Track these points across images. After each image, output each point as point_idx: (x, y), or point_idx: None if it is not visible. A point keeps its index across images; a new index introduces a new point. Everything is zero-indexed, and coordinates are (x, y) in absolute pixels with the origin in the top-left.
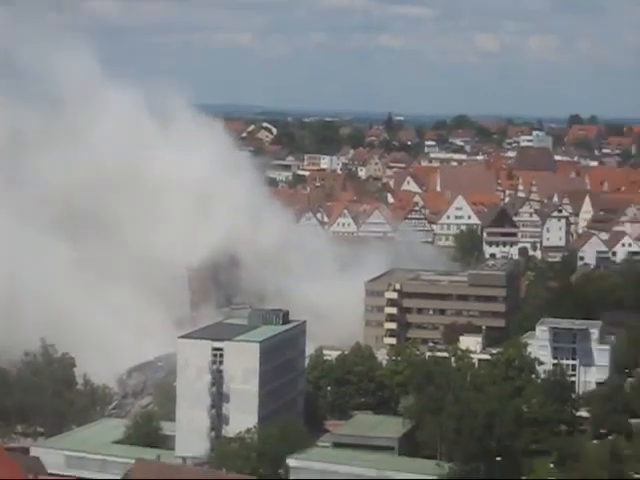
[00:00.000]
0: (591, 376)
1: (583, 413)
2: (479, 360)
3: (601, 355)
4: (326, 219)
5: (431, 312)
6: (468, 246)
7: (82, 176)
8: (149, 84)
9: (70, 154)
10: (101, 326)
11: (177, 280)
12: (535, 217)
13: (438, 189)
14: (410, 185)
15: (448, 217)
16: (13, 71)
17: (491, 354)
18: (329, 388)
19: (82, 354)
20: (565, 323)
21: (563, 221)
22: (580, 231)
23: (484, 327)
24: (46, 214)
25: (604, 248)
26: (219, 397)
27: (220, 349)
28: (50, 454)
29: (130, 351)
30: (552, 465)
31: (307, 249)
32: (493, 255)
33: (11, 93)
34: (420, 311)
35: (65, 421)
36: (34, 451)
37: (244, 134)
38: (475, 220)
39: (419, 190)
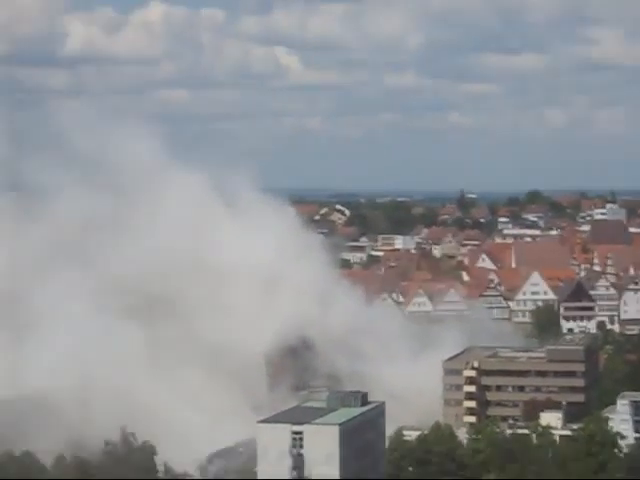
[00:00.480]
0: None
1: None
2: (560, 436)
3: None
4: (402, 299)
5: (510, 389)
6: (545, 322)
7: (150, 262)
8: (214, 167)
9: (137, 240)
10: (179, 412)
11: (252, 364)
12: (612, 290)
13: (513, 265)
14: (485, 262)
15: (524, 293)
16: (79, 158)
17: (572, 430)
18: (410, 469)
19: (161, 441)
20: None
21: None
22: None
23: (564, 403)
24: (118, 301)
25: None
26: None
27: (300, 432)
28: None
29: (209, 437)
30: None
31: (383, 330)
32: (571, 330)
33: (79, 180)
34: (499, 388)
35: None
36: None
37: (317, 217)
38: (551, 295)
39: (494, 267)
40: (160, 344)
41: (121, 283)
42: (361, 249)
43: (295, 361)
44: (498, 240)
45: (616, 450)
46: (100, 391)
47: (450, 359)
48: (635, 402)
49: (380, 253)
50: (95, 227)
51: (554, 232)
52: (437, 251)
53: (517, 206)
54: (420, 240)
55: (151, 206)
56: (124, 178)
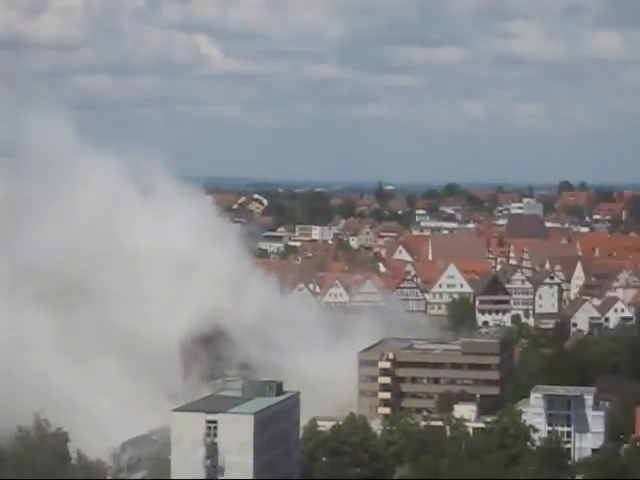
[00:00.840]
0: (586, 443)
1: None
2: (474, 429)
3: (596, 421)
4: (318, 289)
5: (425, 381)
6: (461, 314)
7: (64, 247)
8: (129, 154)
9: (52, 225)
10: (92, 399)
11: (166, 352)
12: (527, 284)
13: (430, 258)
14: (402, 254)
15: (440, 286)
16: None
17: (486, 422)
18: (324, 459)
19: (74, 428)
20: (559, 390)
21: (555, 288)
22: (572, 297)
23: (478, 395)
24: (30, 287)
25: (597, 314)
26: (214, 470)
27: (214, 422)
28: None
29: (123, 425)
30: None
31: (298, 320)
32: (486, 323)
33: None
34: (414, 380)
35: None
36: None
37: (235, 206)
38: (467, 288)
39: (411, 259)
40: (73, 330)
41: (34, 268)
42: (278, 239)
43: (209, 349)
44: (415, 232)
45: (529, 443)
46: (11, 377)
47: (365, 350)
48: (549, 396)
49: (297, 243)
50: (8, 211)
51: (471, 225)
52: (354, 242)
53: (435, 199)
54: (338, 231)
55: (65, 191)
56: (37, 162)
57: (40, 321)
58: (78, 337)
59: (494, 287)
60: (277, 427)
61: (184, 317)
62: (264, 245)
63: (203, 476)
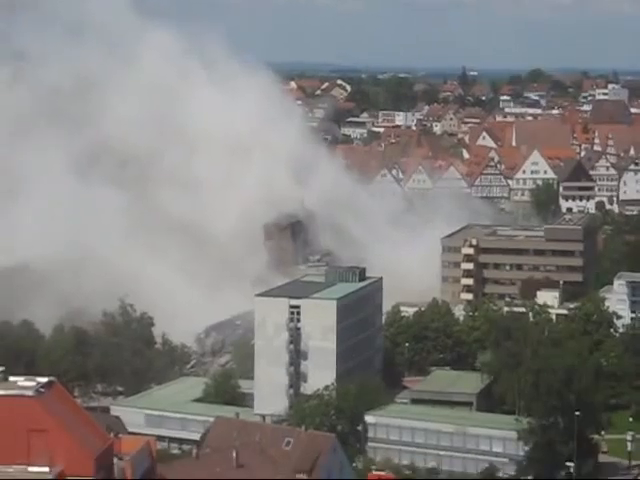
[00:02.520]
0: None
1: None
2: (557, 315)
3: None
4: (401, 176)
5: (508, 267)
6: (544, 201)
7: (131, 125)
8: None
9: (119, 103)
10: (173, 284)
11: (234, 240)
12: (612, 171)
13: (513, 144)
14: (485, 140)
15: (524, 172)
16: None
17: (569, 309)
18: (407, 345)
19: (157, 312)
20: None
21: None
22: None
23: (561, 282)
24: (104, 163)
25: None
26: (297, 355)
27: (297, 307)
28: (130, 413)
29: (206, 309)
30: (631, 419)
31: (380, 206)
32: (570, 209)
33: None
34: (497, 266)
35: (144, 380)
36: (114, 410)
37: (318, 91)
38: (551, 175)
39: (494, 145)
40: (140, 214)
41: (103, 146)
42: (362, 125)
43: (295, 235)
44: (499, 118)
45: (612, 330)
46: (92, 261)
47: (448, 236)
48: (632, 282)
49: (381, 129)
50: (80, 89)
51: (555, 111)
52: (438, 128)
53: (519, 84)
54: (421, 117)
55: (130, 65)
56: (102, 38)
57: (110, 204)
58: (145, 221)
59: (578, 173)
60: (360, 312)
61: (240, 206)
62: (347, 131)
63: (287, 360)
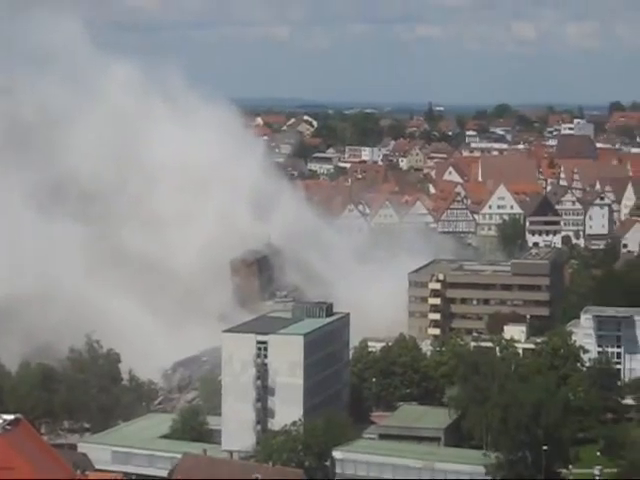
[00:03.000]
0: (636, 363)
1: (629, 401)
2: (524, 349)
3: None
4: (368, 211)
5: (475, 302)
6: (511, 235)
7: (93, 156)
8: (150, 65)
9: (80, 134)
10: (139, 320)
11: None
12: (577, 205)
13: (480, 179)
14: (452, 175)
15: (490, 207)
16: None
17: (536, 343)
18: (374, 380)
19: (123, 349)
20: (609, 311)
21: (606, 209)
22: (623, 218)
23: (528, 316)
24: (63, 199)
25: None
26: (264, 390)
27: (264, 342)
28: (97, 450)
29: (172, 346)
30: (599, 453)
31: (349, 241)
32: (536, 244)
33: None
34: (464, 301)
35: (111, 417)
36: (81, 447)
37: (285, 127)
38: (517, 209)
39: (461, 180)
40: (99, 249)
41: (64, 180)
42: (328, 160)
43: (261, 271)
44: (465, 153)
45: (579, 364)
46: (56, 296)
47: (415, 271)
48: (599, 317)
49: (347, 164)
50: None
51: (521, 146)
52: (404, 163)
53: (485, 119)
54: (387, 152)
55: (90, 98)
56: (66, 70)
57: (74, 235)
58: (107, 256)
59: (544, 208)
60: (327, 348)
61: (201, 240)
62: (314, 166)
63: (254, 396)
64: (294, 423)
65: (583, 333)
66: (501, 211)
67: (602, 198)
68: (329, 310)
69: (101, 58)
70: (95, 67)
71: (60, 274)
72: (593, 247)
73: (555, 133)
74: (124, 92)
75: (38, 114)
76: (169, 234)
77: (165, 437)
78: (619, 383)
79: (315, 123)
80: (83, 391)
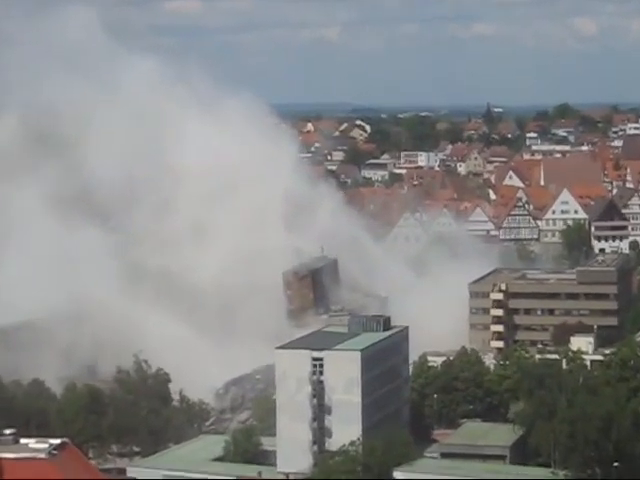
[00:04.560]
0: None
1: None
2: (592, 361)
3: None
4: (425, 219)
5: (539, 312)
6: (576, 242)
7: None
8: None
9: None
10: (184, 338)
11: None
12: None
13: (542, 183)
14: (512, 180)
15: (553, 212)
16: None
17: (604, 355)
18: (435, 396)
19: (173, 368)
20: None
21: None
22: None
23: (596, 326)
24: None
25: None
26: (320, 409)
27: (320, 359)
28: (147, 474)
29: (225, 365)
30: None
31: (406, 251)
32: (602, 250)
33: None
34: (528, 312)
35: (162, 439)
36: (131, 471)
37: (337, 133)
38: (582, 214)
39: (522, 185)
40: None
41: (86, 187)
42: (383, 167)
43: (316, 283)
44: (526, 156)
45: None
46: (93, 312)
47: (476, 281)
48: None
49: (403, 171)
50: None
51: (585, 148)
52: (462, 168)
53: (546, 120)
54: (444, 157)
55: (112, 95)
56: (86, 67)
57: (99, 244)
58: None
59: (610, 212)
60: (385, 363)
61: (228, 256)
62: (368, 173)
63: (310, 415)
64: (352, 443)
65: None
66: (565, 216)
67: None
68: (387, 324)
69: (123, 54)
70: (117, 63)
71: (93, 290)
72: None
73: (620, 133)
74: (148, 89)
75: (59, 111)
76: (199, 246)
77: (218, 459)
78: None
79: (368, 128)
80: (132, 413)
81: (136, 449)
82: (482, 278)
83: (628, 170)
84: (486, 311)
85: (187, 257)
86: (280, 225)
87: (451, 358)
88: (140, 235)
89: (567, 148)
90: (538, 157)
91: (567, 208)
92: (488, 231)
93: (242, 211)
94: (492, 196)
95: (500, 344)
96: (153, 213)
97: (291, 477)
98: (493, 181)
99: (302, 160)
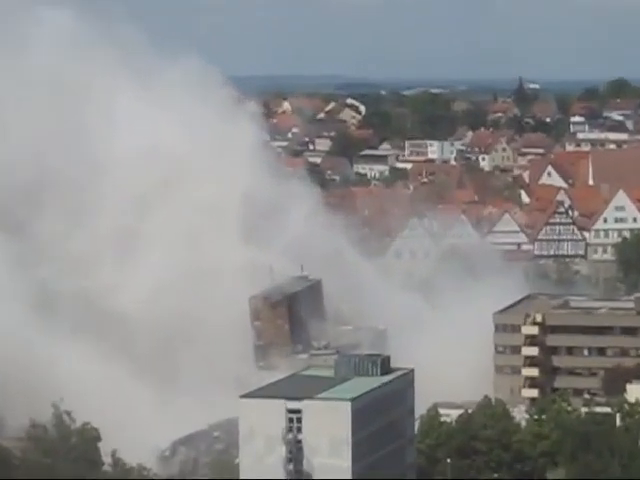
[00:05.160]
0: None
1: None
2: None
3: None
4: (437, 228)
5: (586, 352)
6: (634, 260)
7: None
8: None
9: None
10: (115, 384)
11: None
12: None
13: (590, 182)
14: (551, 178)
15: (605, 220)
16: None
17: None
18: (449, 461)
19: (102, 422)
20: None
21: None
22: None
23: None
24: None
25: None
26: (298, 477)
27: (297, 411)
28: None
29: (173, 417)
30: None
31: (411, 269)
32: None
33: None
34: (571, 351)
35: None
36: None
37: (322, 114)
38: None
39: (564, 184)
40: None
41: None
42: (382, 159)
43: (292, 312)
44: (570, 147)
45: None
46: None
47: (504, 310)
48: None
49: (408, 165)
50: None
51: None
52: (486, 162)
53: (596, 100)
54: (463, 147)
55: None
56: None
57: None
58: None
59: None
60: (384, 417)
61: (153, 280)
62: (362, 168)
63: None
64: None
65: None
66: (620, 226)
67: None
68: (385, 365)
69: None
70: (20, 16)
71: None
72: None
73: None
74: (63, 51)
75: None
76: (128, 261)
77: None
78: None
79: (363, 109)
80: None
81: None
82: (511, 306)
83: None
84: (516, 350)
85: (112, 275)
86: (237, 235)
87: (470, 411)
88: (51, 246)
89: (624, 137)
90: (585, 148)
91: (623, 215)
92: (519, 244)
93: (186, 216)
94: (525, 199)
95: (534, 393)
96: (69, 217)
97: None
98: (526, 179)
99: (273, 149)
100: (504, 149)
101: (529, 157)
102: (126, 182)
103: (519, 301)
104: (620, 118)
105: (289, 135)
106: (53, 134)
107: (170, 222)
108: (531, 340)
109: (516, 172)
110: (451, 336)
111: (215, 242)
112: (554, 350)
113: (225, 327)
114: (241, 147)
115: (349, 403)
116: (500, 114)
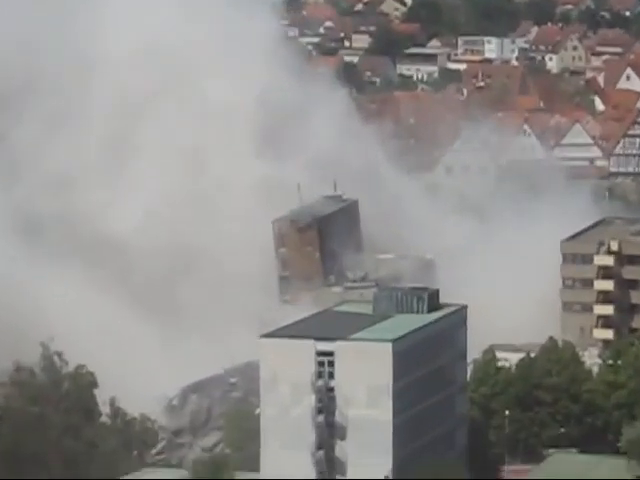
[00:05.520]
0: None
1: None
2: None
3: None
4: (494, 140)
5: None
6: None
7: None
8: None
9: None
10: (115, 320)
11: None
12: None
13: None
14: (631, 82)
15: None
16: None
17: None
18: (507, 413)
19: (100, 364)
20: None
21: None
22: None
23: None
24: None
25: None
26: (330, 431)
27: (329, 354)
28: None
29: (183, 360)
30: None
31: (464, 189)
32: None
33: None
34: None
35: (84, 473)
36: None
37: (359, 6)
38: None
39: None
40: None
41: None
42: (431, 59)
43: (324, 238)
44: None
45: None
46: None
47: (573, 237)
48: None
49: (461, 66)
50: None
51: None
52: (554, 63)
53: None
54: (526, 45)
55: None
56: None
57: None
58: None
59: None
60: (431, 362)
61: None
62: (407, 69)
63: (313, 440)
64: None
65: None
66: None
67: None
68: (433, 300)
69: None
70: None
71: None
72: None
73: None
74: None
75: None
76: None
77: None
78: None
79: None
80: (38, 433)
81: None
82: (582, 233)
83: None
84: (587, 283)
85: (103, 197)
86: (251, 145)
87: (532, 355)
88: (30, 159)
89: None
90: None
91: None
92: (592, 160)
93: (188, 124)
94: (600, 106)
95: (608, 334)
96: (52, 127)
97: None
98: (601, 83)
99: (301, 46)
100: (575, 48)
101: (604, 57)
102: (117, 84)
103: (591, 226)
104: None
105: (321, 30)
106: (37, 32)
107: (169, 132)
108: (605, 272)
109: (589, 75)
110: (510, 267)
111: (223, 155)
112: (632, 284)
113: (238, 256)
114: (258, 42)
115: (390, 344)
116: (571, 6)
